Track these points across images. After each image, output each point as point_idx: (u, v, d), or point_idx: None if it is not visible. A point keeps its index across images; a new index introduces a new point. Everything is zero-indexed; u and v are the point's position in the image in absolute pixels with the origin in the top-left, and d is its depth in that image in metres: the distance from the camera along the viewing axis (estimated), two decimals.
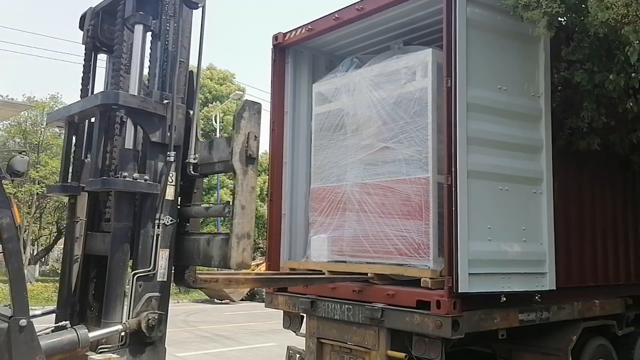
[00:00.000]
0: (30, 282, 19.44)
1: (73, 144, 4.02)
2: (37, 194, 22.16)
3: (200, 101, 31.16)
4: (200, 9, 3.80)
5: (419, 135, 5.00)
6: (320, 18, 5.92)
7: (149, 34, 3.81)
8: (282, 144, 6.18)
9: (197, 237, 3.76)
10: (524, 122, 5.11)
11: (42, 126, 23.11)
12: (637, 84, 4.67)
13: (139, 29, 3.67)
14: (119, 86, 3.74)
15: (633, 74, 4.64)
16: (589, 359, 5.58)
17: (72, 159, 4.01)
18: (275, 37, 6.24)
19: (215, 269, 4.19)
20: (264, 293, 6.69)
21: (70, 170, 4.02)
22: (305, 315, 5.68)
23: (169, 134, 3.59)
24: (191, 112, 3.77)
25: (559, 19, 4.83)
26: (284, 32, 6.20)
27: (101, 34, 4.00)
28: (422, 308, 4.58)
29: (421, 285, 4.66)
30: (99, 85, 4.11)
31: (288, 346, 5.98)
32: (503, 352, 5.56)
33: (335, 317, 5.15)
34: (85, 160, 3.95)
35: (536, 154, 5.15)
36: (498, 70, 4.95)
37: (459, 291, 4.39)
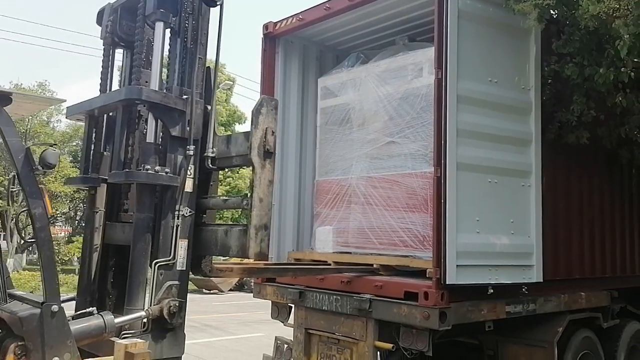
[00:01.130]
0: (17, 271, 19.33)
1: (93, 136, 4.11)
2: None
3: None
4: (218, 6, 3.89)
5: (425, 130, 5.05)
6: (311, 8, 5.87)
7: (167, 30, 3.87)
8: None
9: (215, 228, 3.89)
10: (513, 115, 5.11)
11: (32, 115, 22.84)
12: (627, 78, 4.68)
13: (159, 26, 3.77)
14: (139, 81, 3.87)
15: (623, 68, 4.65)
16: (575, 351, 5.62)
17: (92, 152, 4.11)
18: (266, 27, 6.18)
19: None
20: (252, 283, 6.70)
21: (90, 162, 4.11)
22: (293, 305, 5.68)
23: (188, 128, 3.71)
24: (209, 107, 3.87)
25: (550, 11, 4.83)
26: (274, 21, 6.15)
27: (120, 29, 4.09)
28: (410, 299, 4.59)
29: (427, 275, 4.67)
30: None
31: (276, 336, 5.99)
32: (489, 343, 5.60)
33: (324, 308, 5.16)
34: (104, 153, 4.04)
35: (525, 147, 5.16)
36: (489, 62, 4.95)
37: (447, 283, 4.40)
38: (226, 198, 4.09)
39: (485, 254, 4.75)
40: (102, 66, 4.20)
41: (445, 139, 4.51)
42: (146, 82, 3.90)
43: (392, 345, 4.77)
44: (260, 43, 6.23)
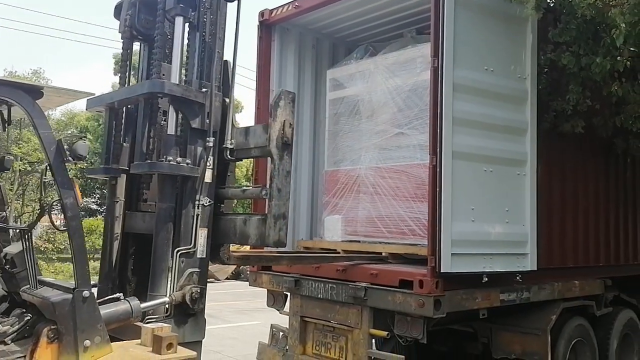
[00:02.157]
0: None
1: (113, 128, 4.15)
2: (20, 170, 21.83)
3: None
4: (236, 1, 3.99)
5: None
6: None
7: (186, 25, 3.93)
8: None
9: (233, 217, 3.99)
10: (509, 103, 5.11)
11: None
12: (623, 67, 4.68)
13: (179, 20, 3.85)
14: (159, 75, 3.97)
15: (619, 57, 4.64)
16: (568, 339, 5.67)
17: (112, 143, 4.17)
18: (262, 14, 6.15)
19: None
20: (248, 272, 6.73)
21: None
22: (289, 294, 5.71)
23: (207, 120, 3.81)
24: (227, 100, 3.98)
25: (547, 0, 4.81)
26: (270, 8, 6.11)
27: (138, 23, 4.16)
28: (405, 287, 4.61)
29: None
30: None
31: (272, 324, 6.01)
32: (484, 331, 5.64)
33: (319, 296, 5.18)
34: (124, 144, 4.10)
35: (521, 136, 5.16)
36: (485, 51, 4.93)
37: (442, 271, 4.42)
38: (245, 188, 4.26)
39: (480, 242, 4.77)
40: (122, 59, 4.29)
41: (441, 127, 4.51)
42: (163, 75, 3.98)
43: (386, 332, 4.80)
44: (256, 30, 6.20)
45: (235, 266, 4.70)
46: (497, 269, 4.84)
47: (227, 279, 20.28)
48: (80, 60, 63.73)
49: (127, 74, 4.26)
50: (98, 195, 27.19)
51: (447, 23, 4.55)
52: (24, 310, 3.42)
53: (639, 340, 6.83)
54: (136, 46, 4.35)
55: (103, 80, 64.08)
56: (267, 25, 6.16)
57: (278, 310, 5.95)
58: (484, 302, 4.91)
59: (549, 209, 5.49)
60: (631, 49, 4.72)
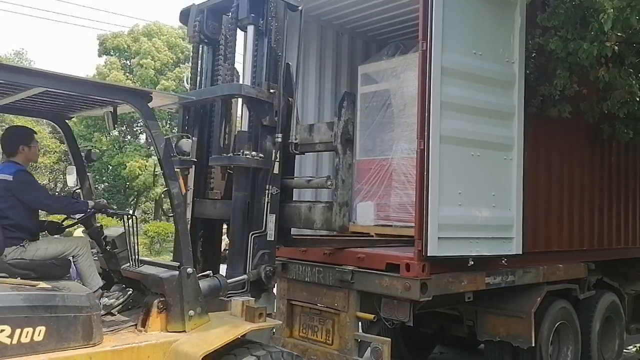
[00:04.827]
0: None
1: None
2: None
3: (172, 61, 30.08)
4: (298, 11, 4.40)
5: None
6: None
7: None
8: None
9: (298, 205, 4.42)
10: (497, 88, 5.10)
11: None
12: (611, 52, 4.68)
13: (251, 28, 4.22)
14: (227, 78, 4.39)
15: (607, 43, 4.64)
16: (552, 321, 5.75)
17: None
18: None
19: None
20: None
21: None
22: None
23: (276, 118, 4.20)
24: (290, 100, 4.35)
25: None
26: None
27: (206, 29, 4.54)
28: (392, 271, 4.63)
29: None
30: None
31: None
32: (469, 314, 5.70)
33: (306, 280, 5.19)
34: (193, 138, 4.34)
35: (508, 121, 5.16)
36: (474, 35, 4.91)
37: (428, 254, 4.44)
38: (309, 178, 4.78)
39: (466, 226, 4.79)
40: (192, 62, 4.74)
41: (429, 111, 4.50)
42: (225, 75, 4.39)
43: (373, 315, 4.83)
44: None
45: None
46: (483, 253, 4.88)
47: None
48: (63, 40, 62.59)
49: (197, 75, 4.65)
50: None
51: (436, 6, 4.51)
52: (124, 285, 3.98)
53: (621, 323, 6.96)
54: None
55: (87, 62, 63.03)
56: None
57: None
58: (470, 286, 4.95)
59: (534, 193, 5.52)
60: (618, 34, 4.71)
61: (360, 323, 5.33)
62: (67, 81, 3.32)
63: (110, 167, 25.25)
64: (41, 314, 2.98)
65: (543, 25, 5.21)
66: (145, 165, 24.46)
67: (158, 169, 3.76)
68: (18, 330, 2.89)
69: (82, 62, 59.10)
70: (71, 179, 4.39)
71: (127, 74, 26.75)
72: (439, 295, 4.66)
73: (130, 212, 4.03)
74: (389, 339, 4.64)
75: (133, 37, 27.32)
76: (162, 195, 4.15)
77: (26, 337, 2.91)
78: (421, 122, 4.53)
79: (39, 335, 2.95)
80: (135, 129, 26.95)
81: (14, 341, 2.88)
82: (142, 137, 27.37)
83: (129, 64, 27.53)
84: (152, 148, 25.99)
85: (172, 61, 27.30)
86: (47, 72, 3.25)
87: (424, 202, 4.48)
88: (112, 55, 27.29)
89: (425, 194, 4.48)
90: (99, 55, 27.56)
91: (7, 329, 2.87)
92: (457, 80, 4.72)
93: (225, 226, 4.60)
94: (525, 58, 5.24)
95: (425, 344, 7.20)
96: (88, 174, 4.41)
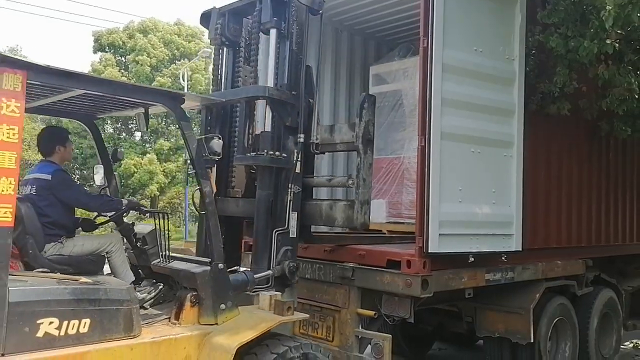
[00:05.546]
0: None
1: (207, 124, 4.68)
2: None
3: (168, 58, 30.00)
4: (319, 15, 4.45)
5: None
6: None
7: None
8: None
9: (319, 203, 4.51)
10: (498, 85, 5.10)
11: None
12: (611, 49, 4.69)
13: (273, 32, 4.29)
14: (247, 79, 4.51)
15: (608, 40, 4.65)
16: (550, 317, 5.78)
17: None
18: None
19: None
20: None
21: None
22: None
23: (298, 119, 4.30)
24: (311, 101, 4.42)
25: None
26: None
27: (228, 32, 4.66)
28: (393, 268, 4.64)
29: None
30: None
31: None
32: (468, 310, 5.72)
33: (307, 276, 5.18)
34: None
35: (508, 118, 5.17)
36: (474, 31, 4.91)
37: (429, 251, 4.45)
38: (330, 177, 4.89)
39: (467, 223, 4.80)
40: (214, 64, 4.82)
41: (430, 108, 4.50)
42: (245, 77, 4.51)
43: (374, 312, 4.82)
44: None
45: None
46: (484, 250, 4.89)
47: None
48: (58, 37, 62.31)
49: (218, 76, 4.76)
50: None
51: (437, 3, 4.51)
52: (154, 280, 4.08)
53: (618, 319, 7.00)
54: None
55: (82, 58, 62.75)
56: None
57: None
58: (470, 282, 4.97)
59: (534, 190, 5.54)
60: (618, 31, 4.72)
61: (360, 320, 5.33)
62: (106, 84, 3.56)
63: None
64: (86, 307, 3.13)
65: (543, 22, 5.21)
66: (141, 163, 24.40)
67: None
68: (65, 322, 3.02)
69: (77, 59, 58.88)
70: (98, 178, 4.49)
71: (122, 71, 26.65)
72: (439, 291, 4.66)
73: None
74: (390, 335, 4.63)
75: (128, 34, 27.23)
76: (194, 193, 4.27)
77: (72, 328, 3.05)
78: (422, 119, 4.53)
79: (84, 327, 3.09)
80: (130, 126, 26.87)
81: (62, 333, 3.01)
82: (137, 134, 27.31)
83: (124, 60, 27.43)
84: (150, 147, 26.01)
85: (167, 58, 27.23)
86: (88, 75, 3.50)
87: (424, 199, 4.48)
88: (107, 52, 27.19)
89: (426, 190, 4.48)
90: (94, 52, 27.47)
91: (56, 321, 3.00)
92: (457, 77, 4.72)
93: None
94: (525, 55, 5.25)
95: (424, 340, 7.23)
96: (115, 172, 4.55)
